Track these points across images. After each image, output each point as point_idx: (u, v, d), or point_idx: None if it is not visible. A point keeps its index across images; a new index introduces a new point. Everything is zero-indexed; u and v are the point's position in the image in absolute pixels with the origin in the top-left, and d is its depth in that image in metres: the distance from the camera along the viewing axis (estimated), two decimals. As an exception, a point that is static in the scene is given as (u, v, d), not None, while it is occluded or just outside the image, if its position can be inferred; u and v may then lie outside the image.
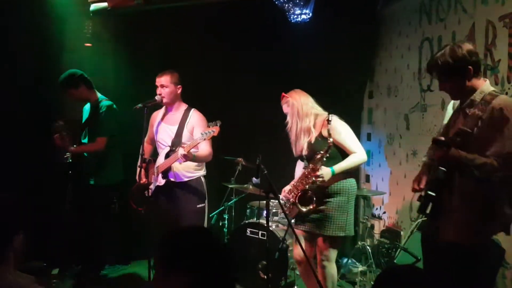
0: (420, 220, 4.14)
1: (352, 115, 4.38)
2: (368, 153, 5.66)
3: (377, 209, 5.46)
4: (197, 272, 1.42)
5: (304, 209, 3.31)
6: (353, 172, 3.56)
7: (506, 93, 3.51)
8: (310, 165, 3.33)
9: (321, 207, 3.37)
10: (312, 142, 3.38)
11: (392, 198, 5.14)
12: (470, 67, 2.42)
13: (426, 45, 4.60)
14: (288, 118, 3.51)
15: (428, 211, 2.47)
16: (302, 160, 3.55)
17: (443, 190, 2.44)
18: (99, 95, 4.30)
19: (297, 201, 3.33)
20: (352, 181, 3.48)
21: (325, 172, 3.28)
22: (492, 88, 2.49)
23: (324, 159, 3.27)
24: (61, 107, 4.88)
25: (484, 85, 2.47)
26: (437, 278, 1.51)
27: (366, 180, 5.68)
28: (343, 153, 3.41)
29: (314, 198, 3.30)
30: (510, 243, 3.39)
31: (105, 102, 4.20)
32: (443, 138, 2.41)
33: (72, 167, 4.19)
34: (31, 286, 1.77)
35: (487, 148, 2.35)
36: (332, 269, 3.45)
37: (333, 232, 3.36)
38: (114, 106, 4.21)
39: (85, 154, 4.24)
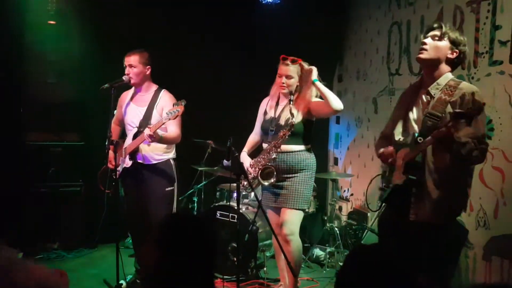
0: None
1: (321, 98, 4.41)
2: (337, 136, 5.73)
3: (345, 191, 5.54)
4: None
5: (266, 183, 3.46)
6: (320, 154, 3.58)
7: (472, 78, 3.59)
8: (273, 141, 3.42)
9: (288, 183, 3.48)
10: (295, 121, 3.41)
11: (359, 180, 5.23)
12: (455, 50, 2.50)
13: (395, 29, 4.64)
14: (289, 81, 3.47)
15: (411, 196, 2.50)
16: (266, 132, 3.57)
17: (420, 174, 2.48)
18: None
19: (258, 175, 3.46)
20: (314, 158, 3.61)
21: (314, 72, 3.36)
22: (452, 76, 2.57)
23: (287, 136, 3.38)
24: (22, 86, 4.72)
25: (448, 73, 2.56)
26: (404, 257, 1.54)
27: (335, 163, 5.75)
28: (306, 132, 3.49)
29: (275, 173, 3.41)
30: (472, 224, 3.52)
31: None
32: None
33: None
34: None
35: (462, 132, 2.39)
36: (298, 242, 3.53)
37: (300, 205, 3.49)
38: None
39: None
